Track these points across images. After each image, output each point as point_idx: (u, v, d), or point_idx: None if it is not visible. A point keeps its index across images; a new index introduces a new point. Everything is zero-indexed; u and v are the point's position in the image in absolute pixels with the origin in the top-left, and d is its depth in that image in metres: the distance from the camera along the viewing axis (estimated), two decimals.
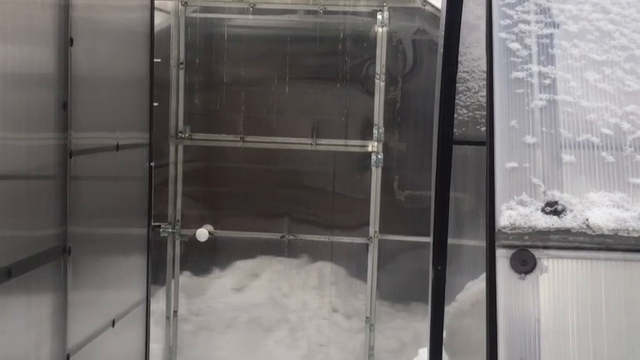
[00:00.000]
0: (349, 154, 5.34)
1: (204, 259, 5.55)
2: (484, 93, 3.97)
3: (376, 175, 5.29)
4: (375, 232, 5.33)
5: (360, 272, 5.44)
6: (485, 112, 3.99)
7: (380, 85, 5.23)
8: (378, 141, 5.25)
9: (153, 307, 4.97)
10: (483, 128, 3.98)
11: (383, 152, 5.28)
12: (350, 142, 5.31)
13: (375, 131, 5.25)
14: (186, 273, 5.58)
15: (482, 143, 3.97)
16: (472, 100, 3.96)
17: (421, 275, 5.27)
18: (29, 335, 3.21)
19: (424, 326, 5.36)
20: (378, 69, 5.23)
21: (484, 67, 4.00)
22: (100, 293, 4.00)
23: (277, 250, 5.48)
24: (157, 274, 5.33)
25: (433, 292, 3.96)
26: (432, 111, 4.87)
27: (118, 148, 4.12)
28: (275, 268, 5.58)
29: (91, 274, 3.84)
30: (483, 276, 4.13)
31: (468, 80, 3.94)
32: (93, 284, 3.88)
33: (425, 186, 5.16)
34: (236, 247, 5.49)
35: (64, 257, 3.49)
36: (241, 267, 5.58)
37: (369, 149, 5.27)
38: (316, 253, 5.48)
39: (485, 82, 3.97)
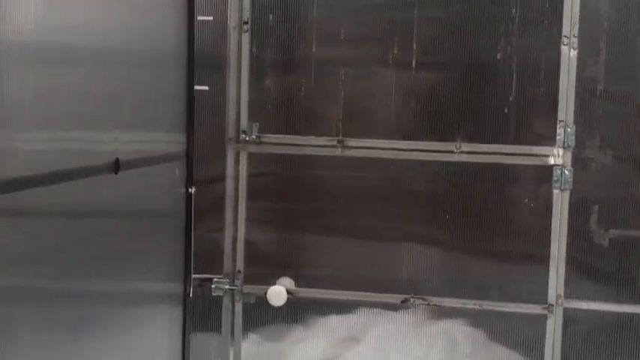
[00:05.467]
0: (514, 167, 4.08)
1: (279, 315, 4.42)
2: None
3: (561, 202, 3.97)
4: (559, 296, 3.92)
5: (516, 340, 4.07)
6: None
7: (569, 55, 3.83)
8: (564, 147, 3.92)
9: None
10: None
11: (573, 165, 3.94)
12: (516, 148, 4.02)
13: (559, 131, 3.92)
14: (253, 337, 4.40)
15: None
16: None
17: None
18: None
19: None
20: (566, 29, 3.82)
21: None
22: None
23: (386, 304, 4.35)
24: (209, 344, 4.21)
25: None
26: None
27: (117, 166, 2.38)
28: (383, 328, 4.44)
29: None
30: None
31: None
32: None
33: None
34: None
35: None
36: (334, 326, 4.46)
37: (551, 161, 3.95)
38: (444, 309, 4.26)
39: None
